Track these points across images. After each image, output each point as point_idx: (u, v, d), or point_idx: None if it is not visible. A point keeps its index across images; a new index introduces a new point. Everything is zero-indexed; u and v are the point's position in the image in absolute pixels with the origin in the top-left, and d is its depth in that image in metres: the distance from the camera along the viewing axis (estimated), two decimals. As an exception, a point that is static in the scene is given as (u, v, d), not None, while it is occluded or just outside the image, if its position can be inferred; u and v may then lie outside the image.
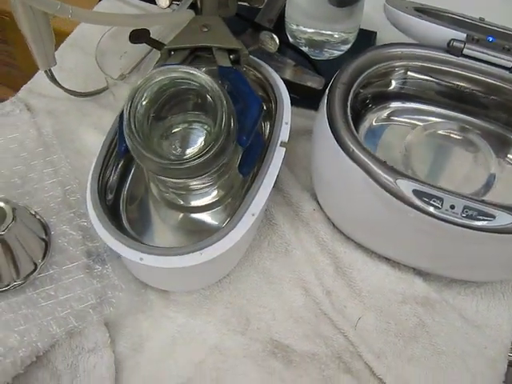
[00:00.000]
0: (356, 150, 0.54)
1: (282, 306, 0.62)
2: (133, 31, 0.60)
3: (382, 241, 0.62)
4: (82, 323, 0.57)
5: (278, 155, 0.57)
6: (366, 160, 0.54)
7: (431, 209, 0.52)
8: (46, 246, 0.59)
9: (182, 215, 0.62)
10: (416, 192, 0.53)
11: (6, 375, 0.53)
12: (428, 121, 0.65)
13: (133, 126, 0.49)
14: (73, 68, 0.75)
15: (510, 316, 0.62)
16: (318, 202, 0.66)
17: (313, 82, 0.70)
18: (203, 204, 0.61)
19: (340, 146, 0.55)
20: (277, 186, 0.66)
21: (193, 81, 0.50)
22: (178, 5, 0.71)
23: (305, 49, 0.76)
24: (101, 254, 0.60)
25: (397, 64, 0.61)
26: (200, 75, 0.50)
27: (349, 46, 0.76)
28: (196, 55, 0.60)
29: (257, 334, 0.61)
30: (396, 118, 0.66)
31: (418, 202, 0.52)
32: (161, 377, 0.58)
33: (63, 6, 0.49)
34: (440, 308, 0.62)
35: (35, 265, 0.58)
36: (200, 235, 0.60)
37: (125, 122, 0.49)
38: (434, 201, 0.52)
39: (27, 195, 0.61)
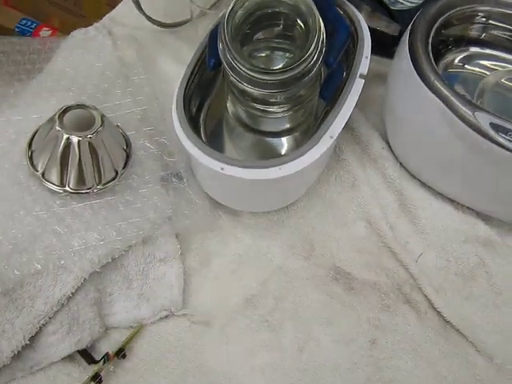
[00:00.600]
0: (436, 82, 0.56)
1: (345, 236, 0.64)
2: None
3: (449, 179, 0.63)
4: (156, 231, 0.59)
5: (356, 85, 0.59)
6: (446, 92, 0.55)
7: (507, 142, 0.53)
8: (127, 156, 0.62)
9: (256, 138, 0.64)
10: (493, 125, 0.54)
11: (84, 271, 0.56)
12: (505, 68, 0.66)
13: (230, 30, 0.51)
14: (154, 1, 0.78)
15: None
16: (387, 142, 0.68)
17: (389, 28, 0.72)
18: (276, 130, 0.64)
19: (420, 77, 0.57)
20: (347, 124, 0.67)
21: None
22: None
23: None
24: (178, 170, 0.62)
25: (479, 8, 0.62)
26: None
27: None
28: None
29: (320, 260, 0.63)
30: (471, 64, 0.67)
31: (494, 135, 0.54)
32: (226, 291, 0.61)
33: None
34: (501, 250, 0.63)
35: (116, 172, 0.60)
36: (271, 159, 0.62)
37: (222, 25, 0.51)
38: (509, 134, 0.54)
39: (110, 110, 0.64)
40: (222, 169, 0.54)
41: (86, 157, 0.57)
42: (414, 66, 0.57)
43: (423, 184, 0.66)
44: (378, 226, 0.64)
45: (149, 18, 0.73)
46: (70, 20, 1.42)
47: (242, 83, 0.54)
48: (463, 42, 0.66)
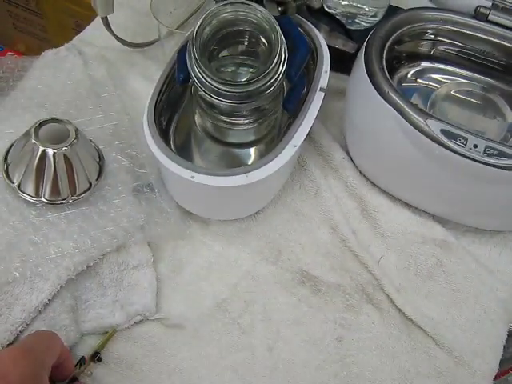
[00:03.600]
0: (390, 93, 0.60)
1: (311, 242, 0.67)
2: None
3: (406, 185, 0.67)
4: (129, 239, 0.61)
5: (317, 98, 0.63)
6: (399, 101, 0.60)
7: (456, 147, 0.58)
8: (100, 168, 0.64)
9: (223, 150, 0.67)
10: (444, 131, 0.58)
11: (60, 278, 0.58)
12: (454, 80, 0.71)
13: (198, 45, 0.54)
14: (122, 23, 0.81)
15: (520, 263, 0.68)
16: (347, 152, 0.72)
17: (346, 45, 0.76)
18: (241, 142, 0.67)
19: (376, 89, 0.61)
20: (309, 136, 0.71)
21: (257, 18, 0.56)
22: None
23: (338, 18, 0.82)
24: (149, 181, 0.65)
25: (428, 26, 0.67)
26: (266, 14, 0.56)
27: (378, 19, 0.82)
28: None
29: (287, 265, 0.66)
30: (423, 78, 0.71)
31: (445, 140, 0.58)
32: (198, 296, 0.63)
33: None
34: (456, 250, 0.67)
35: (90, 184, 0.62)
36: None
37: (191, 41, 0.55)
38: (459, 140, 0.58)
39: (82, 125, 0.66)
40: (193, 177, 0.57)
41: (61, 169, 0.59)
42: (370, 80, 0.61)
43: (382, 191, 0.70)
44: (342, 231, 0.67)
45: (118, 39, 0.76)
46: (36, 44, 1.44)
47: (210, 95, 0.57)
48: (415, 57, 0.71)
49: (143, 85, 0.75)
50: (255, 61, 0.63)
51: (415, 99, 0.70)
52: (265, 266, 0.65)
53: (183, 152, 0.66)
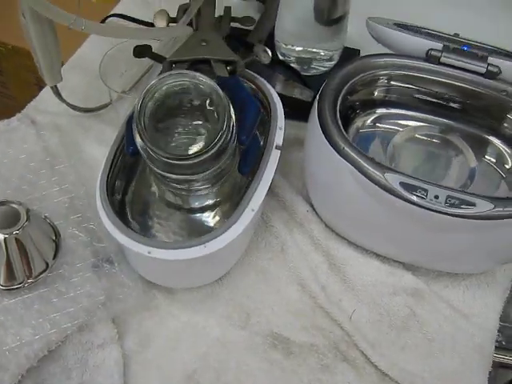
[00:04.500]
0: (346, 148, 0.59)
1: (280, 301, 0.66)
2: (136, 47, 0.65)
3: (372, 237, 0.66)
4: (91, 318, 0.60)
5: (273, 157, 0.61)
6: (356, 157, 0.58)
7: (417, 199, 0.56)
8: (57, 246, 0.62)
9: (182, 216, 0.65)
10: (403, 184, 0.57)
11: (20, 367, 0.56)
12: (411, 125, 0.70)
13: (143, 122, 0.53)
14: (75, 87, 0.80)
15: (494, 304, 0.66)
16: (311, 204, 0.70)
17: (303, 94, 0.75)
18: (202, 205, 0.65)
19: (331, 145, 0.59)
20: (272, 191, 0.70)
21: (199, 86, 0.55)
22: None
23: (293, 65, 0.81)
24: (108, 254, 0.63)
25: (380, 73, 0.66)
26: (206, 80, 0.55)
27: (334, 62, 0.82)
28: (195, 68, 0.64)
29: (257, 328, 0.64)
30: (381, 123, 0.71)
31: (404, 193, 0.57)
32: (168, 370, 0.61)
33: (77, 20, 0.53)
34: (429, 298, 0.66)
35: (47, 264, 0.61)
36: (200, 235, 0.64)
37: (135, 119, 0.53)
38: (419, 191, 0.57)
39: (37, 201, 0.65)
40: (149, 252, 0.55)
41: (14, 253, 0.58)
42: (325, 135, 0.60)
43: (349, 242, 0.68)
44: (310, 287, 0.66)
45: (70, 105, 0.74)
46: (-1, 101, 1.43)
47: (161, 171, 0.56)
48: (370, 105, 0.70)
49: (98, 151, 0.74)
50: (204, 124, 0.62)
51: (375, 145, 0.69)
52: (234, 331, 0.64)
53: (142, 222, 0.64)
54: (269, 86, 0.67)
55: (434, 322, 0.65)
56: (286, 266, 0.67)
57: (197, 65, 0.65)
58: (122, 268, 0.63)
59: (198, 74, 0.55)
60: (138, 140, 0.54)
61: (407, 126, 0.70)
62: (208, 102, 0.58)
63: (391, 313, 0.65)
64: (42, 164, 0.69)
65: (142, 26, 0.84)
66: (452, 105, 0.68)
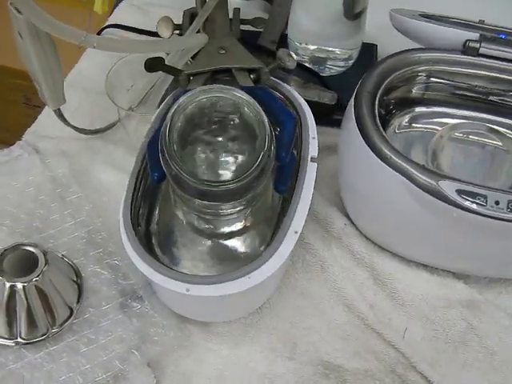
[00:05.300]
0: (393, 157, 0.54)
1: (327, 325, 0.60)
2: (147, 60, 0.59)
3: (421, 247, 0.61)
4: (127, 366, 0.54)
5: (310, 171, 0.56)
6: (405, 165, 0.53)
7: (477, 207, 0.52)
8: (79, 288, 0.56)
9: (211, 242, 0.60)
10: (460, 191, 0.52)
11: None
12: (450, 123, 0.65)
13: (173, 148, 0.47)
14: (77, 107, 0.74)
15: (556, 309, 0.62)
16: (347, 216, 0.65)
17: (324, 97, 0.70)
18: (233, 230, 0.60)
19: (375, 153, 0.54)
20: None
21: (230, 100, 0.49)
22: (179, 34, 0.71)
23: (308, 66, 0.76)
24: (136, 291, 0.58)
25: (418, 69, 0.61)
26: (242, 95, 0.49)
27: (352, 61, 0.76)
28: (215, 78, 0.59)
29: (306, 357, 0.59)
30: (418, 123, 0.66)
31: (462, 202, 0.52)
32: (213, 412, 0.56)
33: (88, 36, 0.47)
34: (485, 308, 0.61)
35: (71, 309, 0.55)
36: (232, 262, 0.58)
37: (165, 144, 0.48)
38: (478, 198, 0.52)
39: (51, 238, 0.59)
40: (188, 290, 0.50)
41: (35, 301, 0.52)
42: (366, 142, 0.55)
43: (393, 254, 0.63)
44: (357, 308, 0.61)
45: (75, 128, 0.68)
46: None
47: (191, 197, 0.50)
48: (407, 103, 0.64)
49: (111, 174, 0.67)
50: (235, 144, 0.56)
51: (414, 148, 0.64)
52: (281, 363, 0.58)
53: (169, 252, 0.58)
54: (294, 93, 0.61)
55: (494, 334, 0.60)
56: (328, 286, 0.62)
57: (216, 76, 0.59)
58: (152, 305, 0.57)
59: (229, 87, 0.49)
60: (165, 163, 0.48)
61: (446, 124, 0.64)
62: (237, 117, 0.52)
63: (447, 328, 0.60)
64: (52, 196, 0.62)
65: (143, 35, 0.78)
66: (492, 98, 0.63)
